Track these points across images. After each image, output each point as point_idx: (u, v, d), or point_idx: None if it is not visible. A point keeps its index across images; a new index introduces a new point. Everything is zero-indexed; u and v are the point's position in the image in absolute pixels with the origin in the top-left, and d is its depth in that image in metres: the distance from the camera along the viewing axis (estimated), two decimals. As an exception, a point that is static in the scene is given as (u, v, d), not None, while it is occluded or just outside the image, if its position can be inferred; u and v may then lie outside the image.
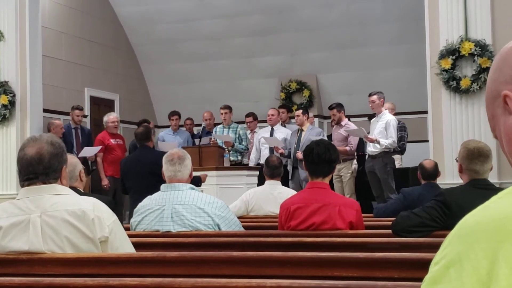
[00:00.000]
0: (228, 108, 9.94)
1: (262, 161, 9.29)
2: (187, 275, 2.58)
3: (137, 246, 2.97)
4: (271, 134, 9.59)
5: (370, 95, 8.63)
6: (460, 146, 3.93)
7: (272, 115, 9.79)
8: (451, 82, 7.30)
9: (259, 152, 9.66)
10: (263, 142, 9.56)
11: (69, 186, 4.04)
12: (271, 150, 9.38)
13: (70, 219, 2.57)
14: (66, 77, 11.15)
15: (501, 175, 6.75)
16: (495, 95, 1.05)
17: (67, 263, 2.58)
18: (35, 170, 2.61)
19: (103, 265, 2.59)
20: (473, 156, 3.67)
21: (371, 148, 8.50)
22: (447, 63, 7.33)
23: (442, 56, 7.37)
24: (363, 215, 4.70)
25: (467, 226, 0.90)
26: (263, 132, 9.78)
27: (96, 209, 2.62)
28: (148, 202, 4.15)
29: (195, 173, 6.83)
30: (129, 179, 6.80)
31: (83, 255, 2.58)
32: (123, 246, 2.69)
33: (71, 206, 2.60)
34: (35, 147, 2.63)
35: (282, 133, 9.60)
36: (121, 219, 9.36)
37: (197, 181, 6.76)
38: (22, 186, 2.67)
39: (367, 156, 8.75)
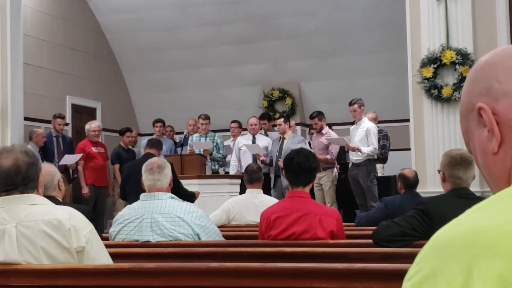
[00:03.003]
0: (208, 118, 9.92)
1: (243, 170, 9.28)
2: (165, 286, 2.55)
3: (115, 256, 2.93)
4: (253, 142, 9.56)
5: (350, 104, 8.62)
6: (442, 155, 3.93)
7: (255, 124, 9.75)
8: (433, 90, 7.33)
9: (239, 160, 9.61)
10: (244, 150, 9.52)
11: (48, 196, 4.02)
12: (254, 158, 9.34)
13: (46, 229, 2.53)
14: (47, 85, 11.07)
15: (483, 184, 6.76)
16: (470, 108, 1.04)
17: (43, 274, 2.54)
18: (14, 181, 2.58)
19: (79, 276, 2.56)
20: (456, 162, 3.66)
21: (354, 156, 8.50)
22: (428, 72, 7.37)
23: (424, 64, 7.41)
24: (346, 223, 4.70)
25: (440, 240, 0.88)
26: (243, 140, 9.74)
27: (72, 218, 2.58)
28: (128, 211, 4.11)
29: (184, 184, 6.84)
30: (129, 183, 6.79)
31: (59, 266, 2.54)
32: (100, 256, 2.65)
33: (47, 216, 2.56)
34: (11, 158, 2.59)
35: (263, 141, 9.56)
36: (102, 228, 9.29)
37: (191, 197, 6.75)
38: None
39: (350, 164, 8.75)
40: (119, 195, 7.82)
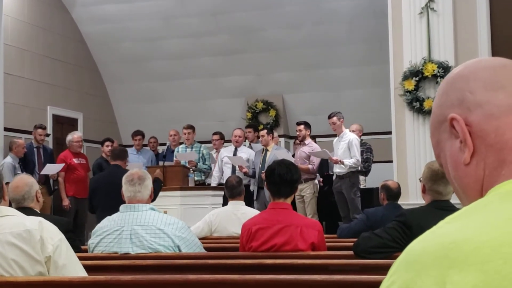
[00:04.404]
0: (192, 128, 9.86)
1: (224, 181, 9.24)
2: (142, 299, 2.51)
3: (93, 268, 2.89)
4: (234, 154, 9.53)
5: (329, 117, 8.61)
6: (424, 167, 3.93)
7: (239, 136, 9.71)
8: (415, 103, 7.36)
9: (221, 171, 9.56)
10: (226, 161, 9.48)
11: (25, 207, 3.97)
12: (233, 169, 9.31)
13: (16, 241, 2.47)
14: (28, 95, 10.98)
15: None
16: (441, 120, 1.04)
17: (17, 286, 2.49)
18: None
19: (54, 289, 2.51)
20: (437, 177, 3.66)
21: (338, 169, 8.50)
22: (410, 84, 7.40)
23: (406, 77, 7.45)
24: (328, 235, 4.67)
25: (414, 252, 0.87)
26: (226, 152, 9.71)
27: (41, 228, 2.52)
28: (107, 223, 4.06)
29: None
30: (96, 196, 6.72)
31: (33, 278, 2.49)
32: (70, 265, 2.57)
33: (16, 227, 2.50)
34: None
35: (245, 153, 9.53)
36: (83, 240, 9.20)
37: (159, 183, 6.70)
38: None
39: (334, 176, 8.75)
40: (88, 208, 7.70)
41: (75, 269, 2.60)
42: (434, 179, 3.67)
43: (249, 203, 7.93)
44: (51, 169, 9.42)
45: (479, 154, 0.98)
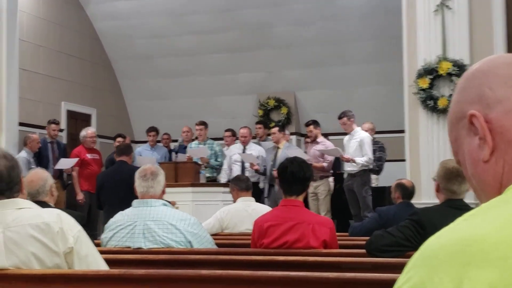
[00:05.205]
0: (204, 124, 9.86)
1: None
2: (155, 293, 2.52)
3: (107, 262, 2.90)
4: (243, 152, 9.50)
5: (339, 118, 8.55)
6: (437, 165, 3.90)
7: (245, 136, 9.66)
8: (429, 101, 7.33)
9: (230, 169, 9.53)
10: (235, 159, 9.46)
11: (40, 201, 3.99)
12: (243, 167, 9.29)
13: (34, 233, 2.49)
14: (43, 90, 11.05)
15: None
16: (460, 117, 1.03)
17: (32, 279, 2.51)
18: None
19: (69, 282, 2.53)
20: (451, 176, 3.63)
21: (349, 167, 8.46)
22: (424, 82, 7.36)
23: (420, 75, 7.41)
24: (340, 233, 4.66)
25: (431, 248, 0.86)
26: (234, 149, 9.68)
27: (60, 220, 2.53)
28: (120, 217, 4.08)
29: (169, 191, 6.79)
30: (104, 192, 6.74)
31: (49, 271, 2.50)
32: (91, 256, 2.60)
33: (34, 219, 2.52)
34: None
35: (253, 150, 9.48)
36: (96, 234, 9.24)
37: None
38: None
39: (345, 175, 8.72)
40: (96, 205, 7.74)
41: (96, 259, 2.63)
42: (448, 177, 3.64)
43: (259, 200, 7.92)
44: (65, 163, 9.48)
45: (498, 151, 0.97)
